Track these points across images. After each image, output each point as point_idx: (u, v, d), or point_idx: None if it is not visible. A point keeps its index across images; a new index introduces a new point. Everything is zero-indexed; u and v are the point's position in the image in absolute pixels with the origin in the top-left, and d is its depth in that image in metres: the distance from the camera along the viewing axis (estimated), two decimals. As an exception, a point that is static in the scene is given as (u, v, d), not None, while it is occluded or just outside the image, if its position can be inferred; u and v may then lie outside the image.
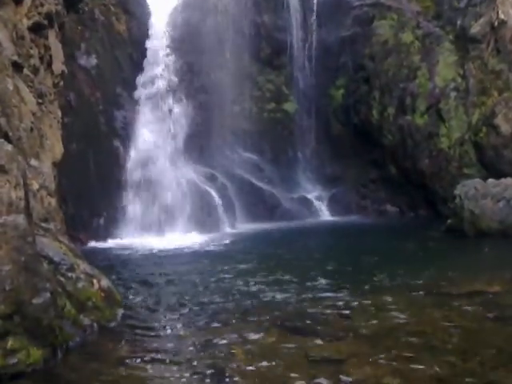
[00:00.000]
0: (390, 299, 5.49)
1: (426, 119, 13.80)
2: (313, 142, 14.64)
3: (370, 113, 14.53)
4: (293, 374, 3.60)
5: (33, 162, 5.72)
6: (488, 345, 4.06)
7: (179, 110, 12.26)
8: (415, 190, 13.92)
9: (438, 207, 13.07)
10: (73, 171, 9.68)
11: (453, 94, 13.66)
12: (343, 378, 3.52)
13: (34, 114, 6.04)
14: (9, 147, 4.42)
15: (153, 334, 4.54)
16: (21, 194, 4.29)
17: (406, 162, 13.99)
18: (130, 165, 11.25)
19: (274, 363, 3.82)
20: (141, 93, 11.91)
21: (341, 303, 5.41)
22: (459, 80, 13.74)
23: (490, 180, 10.32)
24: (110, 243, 9.98)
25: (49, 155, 6.32)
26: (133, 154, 11.36)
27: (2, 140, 4.44)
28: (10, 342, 3.64)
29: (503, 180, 10.16)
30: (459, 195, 10.09)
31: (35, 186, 5.47)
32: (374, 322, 4.74)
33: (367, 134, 14.58)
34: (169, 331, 4.63)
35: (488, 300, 5.39)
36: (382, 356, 3.89)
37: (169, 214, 10.97)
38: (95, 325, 4.46)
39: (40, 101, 6.29)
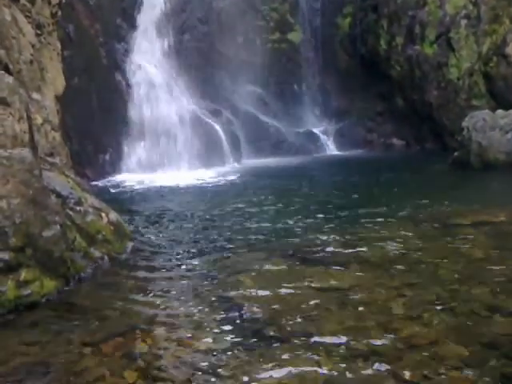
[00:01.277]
0: (396, 230, 5.53)
1: (436, 49, 13.42)
2: (319, 74, 14.30)
3: (378, 43, 14.11)
4: (299, 301, 3.67)
5: (35, 95, 5.62)
6: (494, 273, 4.11)
7: (181, 42, 11.93)
8: (422, 122, 13.74)
9: (445, 140, 12.94)
10: (75, 107, 9.56)
11: (463, 22, 13.20)
12: (347, 304, 3.60)
13: (33, 46, 5.87)
14: (10, 79, 4.33)
15: (162, 265, 4.62)
16: (25, 127, 4.25)
17: (413, 93, 13.73)
18: (133, 99, 11.09)
19: (280, 291, 3.90)
20: (141, 24, 11.55)
21: (347, 233, 5.46)
22: (470, 7, 13.23)
23: (499, 111, 10.14)
24: (116, 179, 10.00)
25: (50, 88, 6.21)
26: (135, 88, 11.16)
27: (3, 72, 4.34)
28: (23, 274, 3.71)
29: (512, 111, 9.99)
30: (467, 127, 9.96)
31: (39, 120, 5.40)
32: (380, 251, 4.79)
33: (374, 65, 14.22)
34: (177, 262, 4.71)
35: (494, 230, 5.42)
36: (387, 283, 3.96)
37: (173, 149, 10.91)
38: (106, 257, 4.53)
39: (38, 32, 6.11)
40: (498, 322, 3.25)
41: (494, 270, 4.19)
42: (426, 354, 2.89)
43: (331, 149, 13.45)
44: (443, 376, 2.66)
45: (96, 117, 10.42)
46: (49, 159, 5.17)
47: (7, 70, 4.79)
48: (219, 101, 12.21)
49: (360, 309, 3.52)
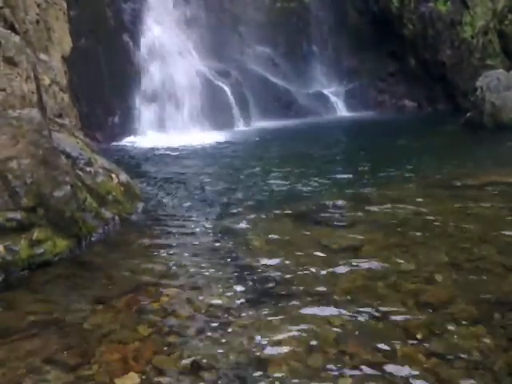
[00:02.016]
0: (406, 191, 5.51)
1: (449, 6, 13.04)
2: (329, 33, 13.99)
3: (390, 0, 13.73)
4: (309, 261, 3.70)
5: (42, 56, 5.57)
6: (504, 233, 4.09)
7: (189, 2, 11.70)
8: (434, 83, 13.49)
9: (458, 101, 12.72)
10: (83, 69, 9.47)
11: (479, -22, 12.79)
12: (358, 263, 3.61)
13: (38, 6, 5.79)
14: (16, 39, 4.28)
15: (172, 225, 4.65)
16: (32, 87, 4.22)
17: (426, 53, 13.43)
18: (141, 61, 10.95)
19: (291, 251, 3.92)
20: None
21: (357, 195, 5.45)
22: (487, -38, 12.78)
23: (514, 70, 9.93)
24: (126, 142, 9.99)
25: (58, 49, 6.14)
26: (143, 49, 11.01)
27: (9, 31, 4.29)
28: (36, 234, 3.76)
29: (528, 70, 9.77)
30: (480, 87, 9.77)
31: (46, 80, 5.36)
32: (390, 211, 4.78)
33: (386, 23, 13.87)
34: (188, 222, 4.73)
35: (505, 190, 5.38)
36: (397, 243, 3.97)
37: (183, 111, 10.83)
38: (117, 217, 4.56)
39: (44, -9, 6.00)
40: (507, 281, 3.26)
41: (504, 229, 4.18)
42: (435, 311, 2.91)
43: (341, 110, 13.27)
44: (452, 333, 2.68)
45: (104, 79, 10.33)
46: (58, 120, 5.16)
47: (13, 30, 4.74)
48: (227, 61, 12.03)
49: (370, 267, 3.54)
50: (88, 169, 4.70)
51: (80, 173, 4.57)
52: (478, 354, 2.47)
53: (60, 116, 5.38)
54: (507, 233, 4.08)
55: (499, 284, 3.21)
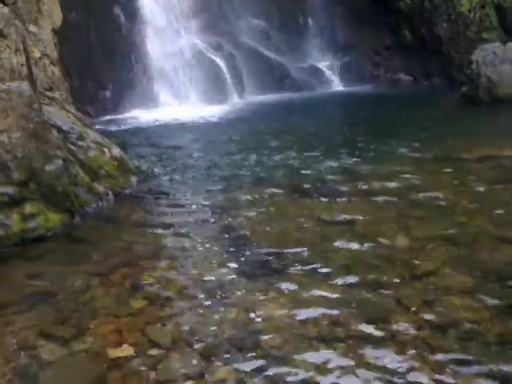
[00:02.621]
0: (401, 165, 5.48)
1: (447, -21, 12.84)
2: (324, 5, 13.76)
3: (386, -28, 13.49)
4: (304, 234, 3.70)
5: (32, 28, 5.46)
6: (498, 205, 4.10)
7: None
8: (430, 57, 13.36)
9: (454, 75, 12.60)
10: (74, 42, 9.31)
11: (477, -50, 12.57)
12: (353, 236, 3.62)
13: (27, -24, 5.65)
14: (5, 10, 4.19)
15: (167, 199, 4.63)
16: (22, 60, 4.14)
17: (422, 26, 13.26)
18: (132, 35, 10.77)
19: (285, 224, 3.92)
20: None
21: (352, 169, 5.43)
22: None
23: (510, 44, 9.82)
24: (119, 116, 9.87)
25: (48, 21, 6.02)
26: (135, 22, 10.81)
27: (-4, 1, 4.19)
28: (28, 208, 3.73)
29: (524, 44, 9.67)
30: (476, 60, 9.67)
31: (36, 53, 5.27)
32: (385, 186, 4.77)
33: (382, -4, 13.67)
34: (182, 196, 4.71)
35: (499, 164, 5.37)
36: (393, 216, 3.97)
37: (175, 85, 10.70)
38: (110, 192, 4.53)
39: (32, -40, 5.85)
40: (501, 253, 3.27)
41: (498, 203, 4.18)
42: (429, 283, 2.92)
43: (336, 84, 13.13)
44: (445, 303, 2.69)
45: (95, 52, 10.16)
46: (48, 94, 5.08)
47: (1, 1, 4.63)
48: (221, 35, 11.84)
49: (364, 240, 3.54)
50: (80, 143, 4.66)
51: (72, 147, 4.53)
52: (470, 324, 2.49)
53: (51, 89, 5.30)
54: (502, 206, 4.08)
55: (493, 256, 3.22)
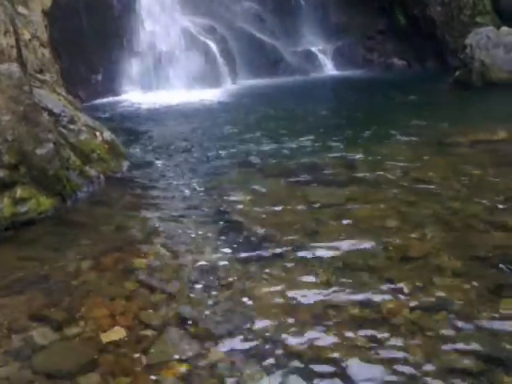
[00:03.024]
0: (394, 149, 5.48)
1: (441, -39, 12.74)
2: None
3: (380, -45, 13.38)
4: (296, 217, 3.70)
5: (21, 9, 5.38)
6: (490, 190, 4.11)
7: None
8: (424, 41, 13.29)
9: (447, 59, 12.57)
10: (64, 24, 9.17)
11: None
12: (344, 220, 3.63)
13: (15, -44, 5.54)
14: (-8, -10, 4.11)
15: (159, 183, 4.61)
16: (11, 41, 4.09)
17: (415, 9, 13.18)
18: (124, 17, 10.62)
19: (278, 208, 3.91)
20: None
21: (345, 154, 5.42)
22: None
23: (504, 28, 9.79)
24: (110, 100, 9.78)
25: (38, 3, 5.93)
26: (126, 4, 10.67)
27: (-16, -19, 4.11)
28: (19, 192, 3.71)
29: (517, 28, 9.65)
30: (470, 44, 9.64)
31: (26, 35, 5.19)
32: (378, 170, 4.77)
33: (376, -21, 13.56)
34: (174, 180, 4.69)
35: (492, 148, 5.39)
36: (384, 200, 3.98)
37: (168, 69, 10.59)
38: (101, 176, 4.51)
39: None
40: (493, 236, 3.29)
41: (490, 187, 4.20)
42: (420, 265, 2.94)
43: (330, 68, 13.06)
44: (436, 286, 2.71)
45: (86, 35, 10.03)
46: (39, 76, 5.02)
47: (-11, -19, 4.54)
48: (213, 17, 11.71)
49: (356, 224, 3.55)
50: (71, 126, 4.61)
51: (63, 130, 4.49)
52: (460, 305, 2.51)
53: (41, 72, 5.23)
54: (494, 190, 4.10)
55: (484, 240, 3.24)
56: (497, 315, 2.42)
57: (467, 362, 2.13)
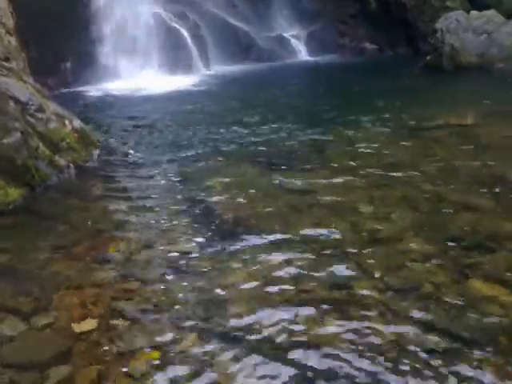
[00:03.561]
0: (367, 134, 5.52)
1: None
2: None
3: None
4: (269, 203, 3.70)
5: (-17, -5, 5.21)
6: (461, 173, 4.18)
7: None
8: (395, 26, 13.36)
9: (418, 44, 12.68)
10: (30, 11, 8.94)
11: None
12: (317, 204, 3.65)
13: None
14: (-48, -26, 3.97)
15: (130, 171, 4.55)
16: (-26, 28, 3.95)
17: (387, -6, 13.23)
18: (93, 3, 10.40)
19: (251, 194, 3.91)
20: None
21: (317, 140, 5.44)
22: None
23: (473, 12, 9.91)
24: (81, 88, 9.60)
25: (1, -12, 5.74)
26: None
27: None
28: (-14, 182, 3.62)
29: (486, 12, 9.76)
30: (440, 29, 9.74)
31: (-10, 22, 5.04)
32: (350, 155, 4.81)
33: (347, -36, 13.55)
34: (146, 169, 4.63)
35: (462, 132, 5.47)
36: (357, 185, 4.01)
37: (139, 56, 10.43)
38: (71, 165, 4.44)
39: None
40: (462, 219, 3.35)
41: (461, 170, 4.27)
42: (392, 248, 2.98)
43: (303, 54, 13.05)
44: (407, 268, 2.75)
45: (54, 22, 9.79)
46: (5, 64, 4.88)
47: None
48: (184, 3, 11.56)
49: (329, 208, 3.58)
50: (39, 115, 4.51)
51: (31, 119, 4.38)
52: (430, 287, 2.55)
53: (7, 60, 5.08)
54: (464, 173, 4.17)
55: (454, 221, 3.30)
56: (464, 295, 2.47)
57: (436, 341, 2.17)
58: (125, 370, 2.12)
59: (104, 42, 10.37)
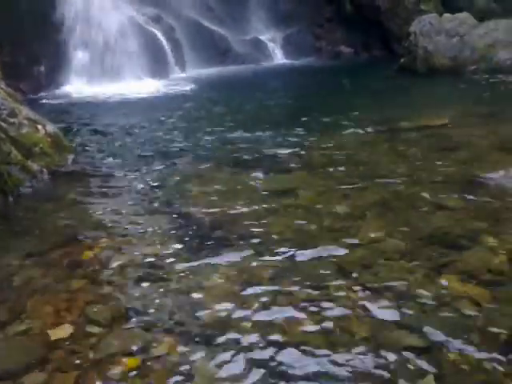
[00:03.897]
0: (342, 136, 5.58)
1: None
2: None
3: None
4: (245, 206, 3.70)
5: (-48, -2, 5.11)
6: (433, 173, 4.24)
7: None
8: (370, 29, 13.53)
9: (393, 47, 12.87)
10: (3, 13, 8.83)
11: None
12: (294, 207, 3.66)
13: None
14: None
15: (105, 176, 4.51)
16: None
17: (361, -3, 13.38)
18: (67, 6, 10.30)
19: (227, 197, 3.91)
20: None
21: (292, 141, 5.47)
22: None
23: (446, 15, 10.07)
24: (55, 92, 9.50)
25: (-30, -9, 5.65)
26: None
27: None
28: (-44, 189, 3.55)
29: (459, 15, 9.93)
30: (414, 32, 9.89)
31: (-41, 25, 4.95)
32: (325, 157, 4.84)
33: (322, -33, 13.67)
34: (121, 173, 4.59)
35: (435, 133, 5.55)
36: (332, 185, 4.04)
37: (113, 59, 10.36)
38: (45, 170, 4.38)
39: None
40: (436, 218, 3.39)
41: (433, 170, 4.32)
42: (367, 248, 3.00)
43: (279, 57, 13.13)
44: (382, 267, 2.78)
45: (27, 25, 9.67)
46: (-25, 68, 4.81)
47: None
48: (159, 6, 11.52)
49: (305, 211, 3.58)
50: (11, 120, 4.45)
51: (3, 124, 4.32)
52: (405, 286, 2.58)
53: (-23, 64, 5.01)
54: (437, 173, 4.22)
55: (428, 220, 3.34)
56: (439, 293, 2.51)
57: (411, 340, 2.20)
58: (102, 376, 2.09)
59: (78, 45, 10.28)
